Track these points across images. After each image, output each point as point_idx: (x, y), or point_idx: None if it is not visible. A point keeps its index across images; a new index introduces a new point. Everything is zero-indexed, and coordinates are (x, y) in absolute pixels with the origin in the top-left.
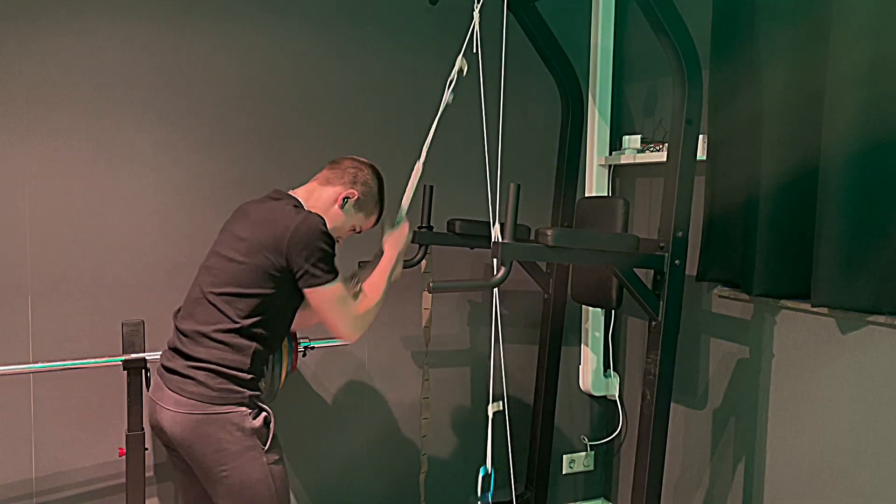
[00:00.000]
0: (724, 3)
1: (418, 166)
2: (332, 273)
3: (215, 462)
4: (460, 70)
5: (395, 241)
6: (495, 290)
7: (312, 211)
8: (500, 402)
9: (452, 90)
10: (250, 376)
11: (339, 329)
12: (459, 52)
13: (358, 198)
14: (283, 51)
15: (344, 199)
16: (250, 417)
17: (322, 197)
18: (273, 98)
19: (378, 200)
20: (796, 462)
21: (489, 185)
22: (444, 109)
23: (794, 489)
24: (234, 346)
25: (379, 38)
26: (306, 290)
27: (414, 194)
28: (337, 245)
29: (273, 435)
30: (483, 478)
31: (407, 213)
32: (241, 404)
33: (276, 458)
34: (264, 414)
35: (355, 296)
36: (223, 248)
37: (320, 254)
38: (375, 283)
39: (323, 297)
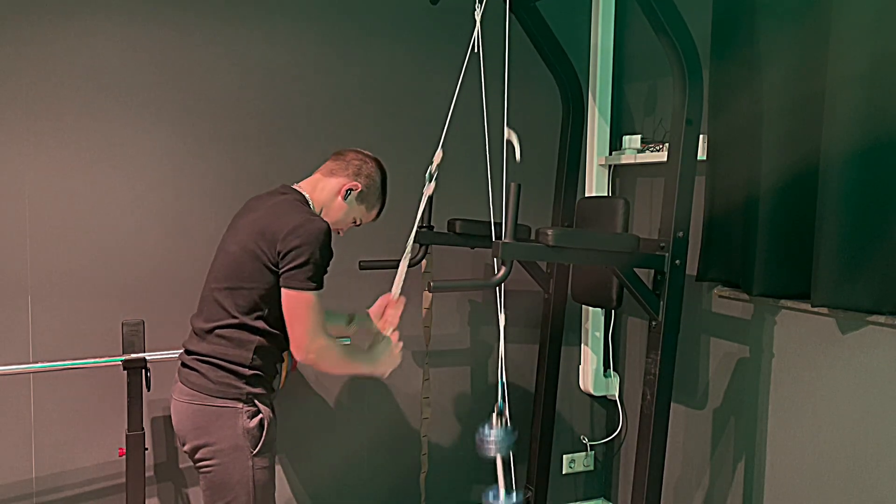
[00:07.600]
0: (724, 3)
1: (403, 265)
2: (316, 284)
3: (202, 455)
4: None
5: (388, 363)
6: (499, 289)
7: (319, 214)
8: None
9: (436, 178)
10: (252, 372)
11: (298, 338)
12: (466, 53)
13: (361, 190)
14: (282, 51)
15: (347, 191)
16: (245, 416)
17: (326, 188)
18: (272, 98)
19: (380, 194)
20: (796, 462)
21: (490, 185)
22: (426, 200)
23: (794, 489)
24: (236, 340)
25: (379, 38)
26: (283, 290)
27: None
28: (337, 235)
29: (266, 440)
30: (497, 413)
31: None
32: (238, 400)
33: (265, 465)
34: (261, 416)
35: (350, 350)
36: (226, 243)
37: (312, 261)
38: (352, 364)
39: (297, 302)
